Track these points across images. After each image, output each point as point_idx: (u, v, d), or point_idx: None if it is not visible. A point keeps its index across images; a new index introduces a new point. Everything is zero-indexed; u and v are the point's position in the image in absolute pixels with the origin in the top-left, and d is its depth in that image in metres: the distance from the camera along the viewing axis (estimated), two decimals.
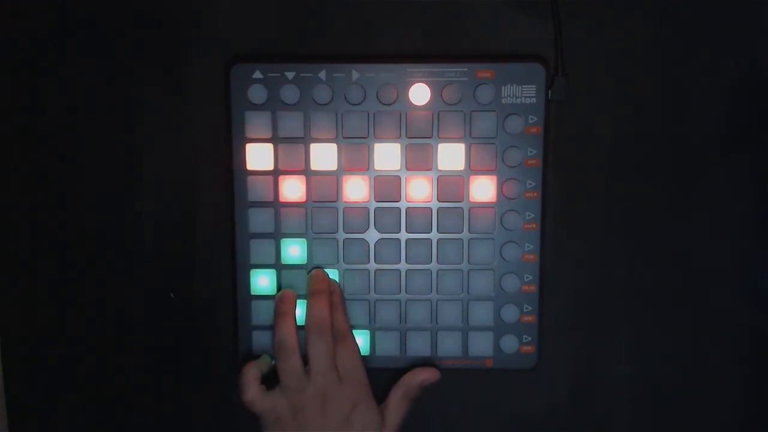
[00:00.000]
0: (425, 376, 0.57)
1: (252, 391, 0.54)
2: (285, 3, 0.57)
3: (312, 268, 0.58)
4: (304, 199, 0.58)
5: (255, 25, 0.57)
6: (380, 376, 0.59)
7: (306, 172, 0.57)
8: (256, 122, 0.57)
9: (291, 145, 0.57)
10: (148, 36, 0.57)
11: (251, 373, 0.55)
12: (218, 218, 0.59)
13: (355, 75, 0.56)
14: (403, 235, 0.58)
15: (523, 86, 0.56)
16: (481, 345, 0.59)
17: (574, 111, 0.57)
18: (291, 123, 0.57)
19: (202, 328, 0.60)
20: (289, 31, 0.57)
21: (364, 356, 0.58)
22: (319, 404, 0.53)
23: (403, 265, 0.58)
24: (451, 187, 0.57)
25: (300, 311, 0.57)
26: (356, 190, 0.57)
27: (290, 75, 0.56)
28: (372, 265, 0.58)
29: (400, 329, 0.59)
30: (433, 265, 0.58)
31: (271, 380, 0.55)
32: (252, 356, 0.58)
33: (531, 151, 0.57)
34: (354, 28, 0.57)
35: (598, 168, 0.58)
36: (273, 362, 0.56)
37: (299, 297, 0.57)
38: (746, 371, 0.61)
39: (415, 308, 0.59)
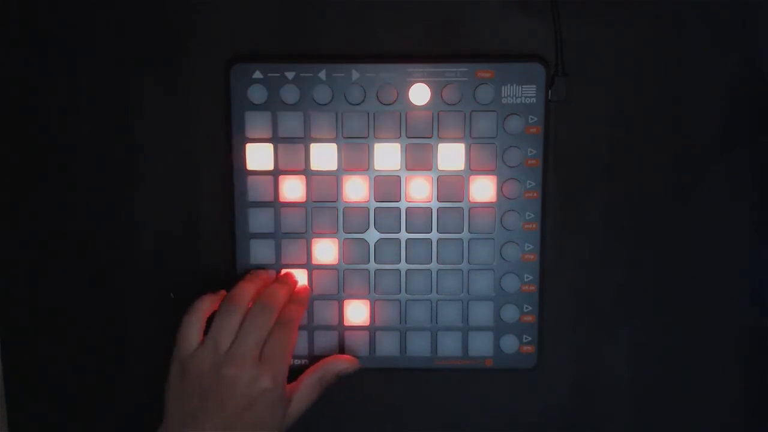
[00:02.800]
0: (344, 365, 0.56)
1: (193, 319, 0.53)
2: (285, 3, 0.57)
3: (290, 269, 0.58)
4: (304, 199, 0.58)
5: (255, 25, 0.57)
6: (380, 377, 0.59)
7: (306, 172, 0.57)
8: (256, 122, 0.57)
9: (291, 145, 0.57)
10: (148, 36, 0.57)
11: (204, 304, 0.53)
12: (218, 218, 0.59)
13: (355, 75, 0.56)
14: (403, 235, 0.58)
15: (523, 86, 0.56)
16: (481, 345, 0.59)
17: (574, 111, 0.58)
18: (291, 123, 0.57)
19: None
20: (289, 31, 0.57)
21: (364, 356, 0.58)
22: (228, 375, 0.51)
23: (403, 265, 0.58)
24: (451, 186, 0.57)
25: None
26: (356, 190, 0.57)
27: (290, 75, 0.56)
28: (372, 265, 0.58)
29: (400, 329, 0.59)
30: (433, 265, 0.58)
31: None
32: None
33: (531, 151, 0.57)
34: (354, 28, 0.57)
35: (598, 168, 0.58)
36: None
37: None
38: (746, 371, 0.61)
39: (415, 308, 0.59)
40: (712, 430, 0.61)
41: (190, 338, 0.53)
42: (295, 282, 0.58)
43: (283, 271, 0.58)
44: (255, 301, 0.54)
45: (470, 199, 0.57)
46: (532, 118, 0.56)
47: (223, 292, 0.55)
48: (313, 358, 0.58)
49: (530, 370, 0.59)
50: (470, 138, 0.57)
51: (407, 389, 0.61)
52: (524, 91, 0.56)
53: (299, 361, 0.59)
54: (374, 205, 0.58)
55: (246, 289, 0.55)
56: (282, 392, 0.53)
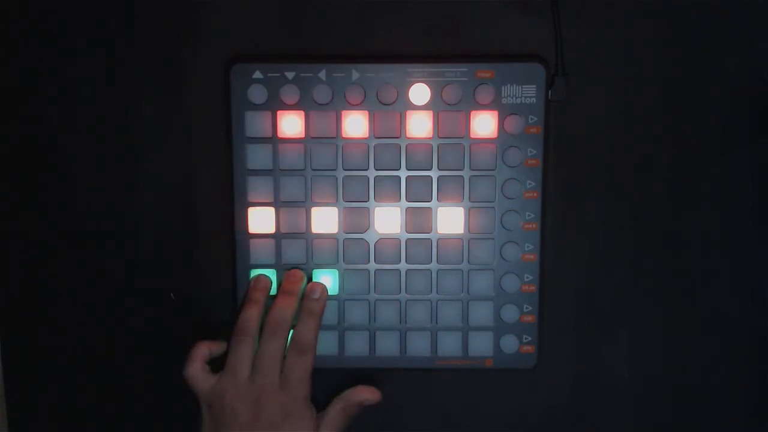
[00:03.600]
0: (366, 396, 0.56)
1: (195, 367, 0.54)
2: (285, 3, 0.57)
3: (290, 269, 0.58)
4: (304, 199, 0.58)
5: (255, 25, 0.57)
6: (380, 377, 0.59)
7: (306, 171, 0.57)
8: (256, 122, 0.57)
9: (291, 145, 0.57)
10: (148, 36, 0.57)
11: (200, 350, 0.55)
12: (218, 218, 0.59)
13: (355, 75, 0.56)
14: (403, 235, 0.58)
15: (523, 86, 0.56)
16: (481, 345, 0.59)
17: (574, 111, 0.58)
18: (291, 123, 0.57)
19: (202, 328, 0.60)
20: (289, 31, 0.57)
21: (364, 356, 0.58)
22: (251, 402, 0.53)
23: (403, 265, 0.58)
24: (451, 186, 0.57)
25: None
26: (356, 190, 0.57)
27: (290, 75, 0.56)
28: (372, 265, 0.58)
29: (400, 329, 0.59)
30: (433, 265, 0.58)
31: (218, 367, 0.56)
32: None
33: (531, 151, 0.57)
34: (354, 28, 0.57)
35: (598, 168, 0.58)
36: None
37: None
38: (746, 371, 0.61)
39: (415, 308, 0.59)
40: (712, 430, 0.61)
41: (201, 381, 0.54)
42: (299, 284, 0.57)
43: (291, 270, 0.58)
44: (264, 324, 0.55)
45: (470, 198, 0.57)
46: (532, 118, 0.56)
47: (220, 343, 0.56)
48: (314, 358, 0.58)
49: (530, 370, 0.59)
50: (470, 138, 0.57)
51: (407, 389, 0.61)
52: (524, 91, 0.56)
53: None
54: (374, 205, 0.58)
55: (250, 315, 0.55)
56: (307, 417, 0.54)
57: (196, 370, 0.54)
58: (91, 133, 0.58)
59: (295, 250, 0.58)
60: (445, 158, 0.57)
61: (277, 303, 0.56)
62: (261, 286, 0.57)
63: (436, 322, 0.59)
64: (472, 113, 0.56)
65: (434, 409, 0.61)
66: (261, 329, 0.55)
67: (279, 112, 0.57)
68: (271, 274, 0.58)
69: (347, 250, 0.58)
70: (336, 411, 0.56)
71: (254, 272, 0.58)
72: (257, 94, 0.56)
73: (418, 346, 0.59)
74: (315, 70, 0.56)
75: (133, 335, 0.61)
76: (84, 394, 0.61)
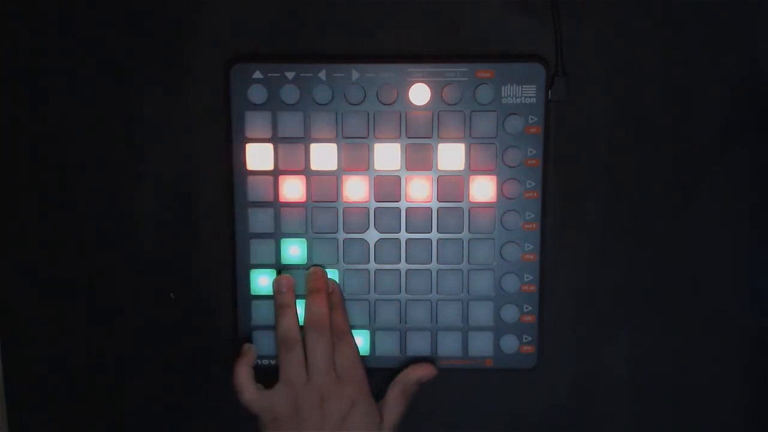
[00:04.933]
0: (423, 372, 0.57)
1: (249, 391, 0.54)
2: (285, 3, 0.57)
3: (311, 266, 0.58)
4: (304, 199, 0.58)
5: (255, 25, 0.57)
6: (380, 376, 0.59)
7: (306, 172, 0.57)
8: (256, 122, 0.57)
9: (291, 145, 0.57)
10: (148, 36, 0.57)
11: (243, 373, 0.55)
12: (218, 218, 0.59)
13: (355, 75, 0.56)
14: (403, 235, 0.58)
15: (523, 86, 0.56)
16: (481, 345, 0.59)
17: (574, 111, 0.58)
18: (291, 123, 0.57)
19: (202, 328, 0.60)
20: (289, 31, 0.57)
21: (364, 356, 0.58)
22: (317, 403, 0.54)
23: (403, 265, 0.58)
24: (451, 187, 0.57)
25: (300, 308, 0.57)
26: (356, 190, 0.57)
27: (290, 75, 0.56)
28: (372, 265, 0.58)
29: (400, 329, 0.59)
30: (433, 265, 0.58)
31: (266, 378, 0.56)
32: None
33: (531, 151, 0.57)
34: (354, 28, 0.57)
35: (598, 168, 0.58)
36: (262, 360, 0.58)
37: (298, 296, 0.57)
38: (746, 371, 0.61)
39: (415, 308, 0.59)
40: (712, 430, 0.61)
41: (260, 401, 0.54)
42: (324, 279, 0.57)
43: (312, 268, 0.58)
44: (305, 329, 0.55)
45: (470, 199, 0.57)
46: (532, 118, 0.56)
47: (248, 345, 0.56)
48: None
49: (530, 370, 0.59)
50: (470, 138, 0.57)
51: None
52: (524, 91, 0.56)
53: None
54: (374, 205, 0.58)
55: (290, 322, 0.56)
56: (370, 402, 0.55)
57: (251, 393, 0.54)
58: (91, 133, 0.58)
59: (296, 250, 0.58)
60: (444, 158, 0.57)
61: (311, 303, 0.56)
62: (286, 289, 0.57)
63: (436, 322, 0.59)
64: (472, 113, 0.56)
65: (434, 409, 0.61)
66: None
67: (279, 112, 0.57)
68: (271, 274, 0.58)
69: (347, 249, 0.58)
70: (395, 395, 0.56)
71: (254, 272, 0.58)
72: (257, 94, 0.56)
73: (418, 346, 0.59)
74: (315, 70, 0.56)
75: (133, 335, 0.61)
76: (84, 395, 0.61)
